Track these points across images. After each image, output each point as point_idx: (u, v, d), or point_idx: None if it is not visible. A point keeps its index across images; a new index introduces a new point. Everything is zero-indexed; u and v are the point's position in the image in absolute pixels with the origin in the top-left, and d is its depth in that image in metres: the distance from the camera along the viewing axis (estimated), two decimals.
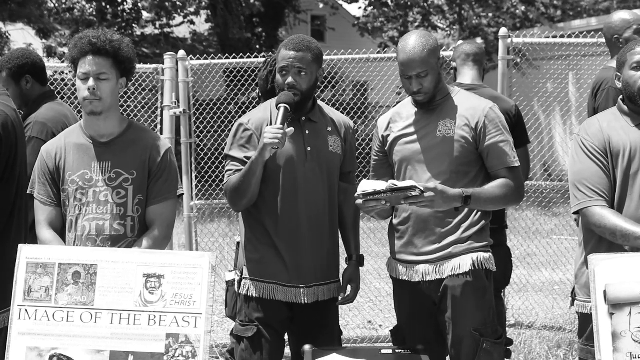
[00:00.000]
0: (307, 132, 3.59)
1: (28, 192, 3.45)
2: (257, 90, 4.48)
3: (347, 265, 3.73)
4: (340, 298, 3.67)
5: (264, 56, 5.65)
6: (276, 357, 3.59)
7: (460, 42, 5.13)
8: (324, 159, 3.60)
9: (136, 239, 3.32)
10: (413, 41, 3.44)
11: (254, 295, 3.57)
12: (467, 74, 4.80)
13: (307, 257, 3.54)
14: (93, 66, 3.29)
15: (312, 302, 3.55)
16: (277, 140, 3.33)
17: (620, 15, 4.68)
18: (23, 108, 4.36)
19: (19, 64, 4.34)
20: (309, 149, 3.57)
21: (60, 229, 3.41)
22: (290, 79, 3.51)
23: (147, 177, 3.36)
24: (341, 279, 3.71)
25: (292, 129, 3.42)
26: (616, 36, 4.62)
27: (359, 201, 3.28)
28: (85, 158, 3.36)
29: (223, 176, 3.66)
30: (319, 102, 3.73)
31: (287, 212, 3.53)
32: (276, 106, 3.49)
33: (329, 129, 3.66)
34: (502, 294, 5.50)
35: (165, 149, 3.43)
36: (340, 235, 3.75)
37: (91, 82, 3.28)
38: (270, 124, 3.54)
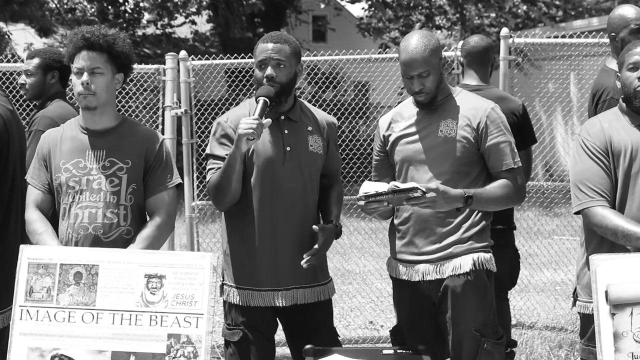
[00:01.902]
0: (285, 131, 3.50)
1: (25, 177, 3.46)
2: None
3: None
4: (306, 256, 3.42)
5: None
6: (265, 359, 3.55)
7: (471, 36, 4.91)
8: (303, 158, 3.51)
9: (129, 228, 3.31)
10: (415, 41, 3.44)
11: (233, 302, 3.51)
12: (473, 75, 4.72)
13: (285, 259, 3.46)
14: (87, 61, 3.29)
15: (294, 306, 3.48)
16: (251, 130, 3.23)
17: (620, 11, 4.40)
18: (37, 99, 4.64)
19: (54, 57, 4.62)
20: (288, 148, 3.48)
21: (47, 213, 3.40)
22: (269, 71, 3.42)
23: (144, 169, 3.37)
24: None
25: (269, 120, 3.34)
26: (612, 34, 4.41)
27: (361, 202, 3.28)
28: (80, 147, 3.37)
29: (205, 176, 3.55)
30: (301, 100, 3.66)
31: (265, 213, 3.46)
32: (255, 99, 3.41)
33: (310, 128, 3.57)
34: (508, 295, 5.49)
35: (159, 140, 3.45)
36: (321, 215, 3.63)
37: (85, 76, 3.28)
38: None
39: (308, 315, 3.52)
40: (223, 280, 3.58)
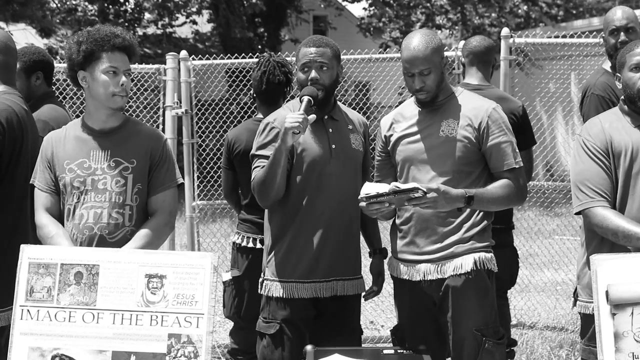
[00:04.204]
0: (330, 130, 3.64)
1: (30, 182, 3.44)
2: (252, 91, 4.50)
3: (372, 259, 3.88)
4: (364, 293, 3.79)
5: (257, 57, 5.65)
6: (298, 355, 3.60)
7: (473, 37, 4.96)
8: (348, 156, 3.66)
9: (134, 228, 3.31)
10: (417, 39, 3.44)
11: (274, 295, 3.61)
12: (474, 75, 4.73)
13: (327, 252, 3.58)
14: (122, 62, 3.34)
15: (334, 300, 3.60)
16: (297, 124, 3.34)
17: (608, 13, 4.51)
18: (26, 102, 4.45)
19: (34, 59, 4.39)
20: (333, 146, 3.62)
21: (57, 215, 3.38)
22: (313, 74, 3.55)
23: (148, 168, 3.37)
24: (370, 272, 3.86)
25: (313, 116, 3.46)
26: (602, 35, 4.53)
27: (362, 204, 3.29)
28: (84, 147, 3.37)
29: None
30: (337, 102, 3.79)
31: (311, 209, 3.58)
32: (299, 99, 3.53)
33: (350, 127, 3.72)
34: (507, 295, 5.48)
35: (163, 139, 3.48)
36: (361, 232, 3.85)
37: (124, 78, 3.32)
38: None
39: (344, 310, 3.65)
40: (264, 277, 3.68)
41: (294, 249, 3.59)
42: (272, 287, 3.62)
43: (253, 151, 3.67)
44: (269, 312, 3.63)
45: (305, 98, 3.49)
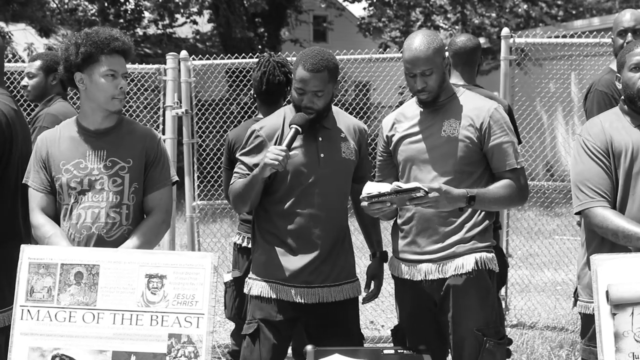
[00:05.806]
0: (320, 139, 3.61)
1: (23, 181, 3.43)
2: (252, 91, 4.51)
3: (370, 262, 3.82)
4: (363, 295, 3.77)
5: (257, 57, 5.64)
6: (277, 355, 3.60)
7: (458, 36, 4.94)
8: (336, 165, 3.62)
9: (131, 227, 3.32)
10: (419, 40, 3.45)
11: (254, 294, 3.61)
12: (459, 75, 4.72)
13: (311, 259, 3.55)
14: (120, 65, 3.35)
15: (321, 307, 3.56)
16: (276, 163, 3.36)
17: (618, 15, 4.64)
18: (39, 100, 4.78)
19: (55, 60, 4.67)
20: (322, 155, 3.59)
21: (52, 215, 3.38)
22: (306, 101, 3.52)
23: (144, 166, 3.38)
24: (365, 275, 3.81)
25: (296, 152, 3.49)
26: (611, 35, 4.65)
27: (364, 203, 3.29)
28: (80, 148, 3.37)
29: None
30: (334, 107, 3.73)
31: (297, 216, 3.56)
32: (289, 125, 3.51)
33: (343, 135, 3.67)
34: (501, 295, 5.47)
35: (157, 138, 3.48)
36: (363, 234, 3.89)
37: (123, 81, 3.34)
38: (281, 135, 3.57)
39: (333, 313, 3.59)
40: (249, 275, 3.70)
41: (276, 253, 3.58)
42: (253, 285, 3.63)
43: (238, 153, 3.69)
44: (250, 313, 3.64)
45: (293, 128, 3.47)
